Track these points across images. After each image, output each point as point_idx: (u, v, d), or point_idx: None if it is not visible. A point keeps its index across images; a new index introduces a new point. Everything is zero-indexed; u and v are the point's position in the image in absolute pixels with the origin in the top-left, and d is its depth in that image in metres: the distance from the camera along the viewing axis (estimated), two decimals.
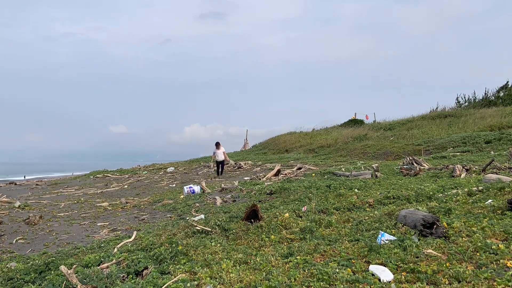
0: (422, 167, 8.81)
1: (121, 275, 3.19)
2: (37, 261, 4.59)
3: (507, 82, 25.88)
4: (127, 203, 10.17)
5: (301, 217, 4.90)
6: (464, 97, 26.78)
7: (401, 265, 2.95)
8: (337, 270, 2.90)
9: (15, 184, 18.38)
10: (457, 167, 7.43)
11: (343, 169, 11.40)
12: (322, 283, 2.73)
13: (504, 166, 7.19)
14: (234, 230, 4.40)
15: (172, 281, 2.92)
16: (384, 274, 2.83)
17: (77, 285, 2.99)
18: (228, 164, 17.36)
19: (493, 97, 25.36)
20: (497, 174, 6.29)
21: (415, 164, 9.17)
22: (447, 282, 2.63)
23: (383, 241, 3.47)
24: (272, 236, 4.09)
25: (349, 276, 2.80)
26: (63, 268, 3.21)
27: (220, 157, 15.50)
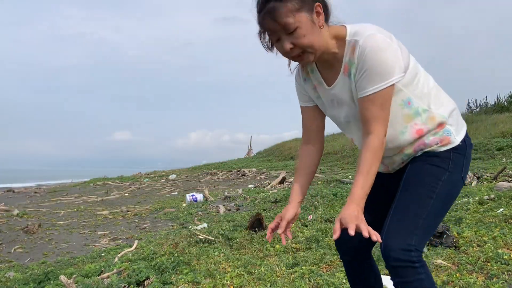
0: None
1: (122, 285, 3.12)
2: (36, 270, 4.51)
3: None
4: (128, 211, 10.09)
5: (306, 226, 4.83)
6: (476, 103, 26.36)
7: None
8: (344, 281, 2.84)
9: (13, 191, 18.28)
10: (468, 174, 7.35)
11: (350, 176, 11.32)
12: None
13: None
14: (238, 239, 4.32)
15: None
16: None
17: None
18: None
19: (505, 103, 24.91)
20: (509, 182, 6.21)
21: None
22: None
23: None
24: (277, 246, 4.01)
25: None
26: (62, 278, 3.14)
27: None
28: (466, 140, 1.57)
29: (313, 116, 1.70)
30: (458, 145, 1.54)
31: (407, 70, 1.45)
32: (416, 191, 1.49)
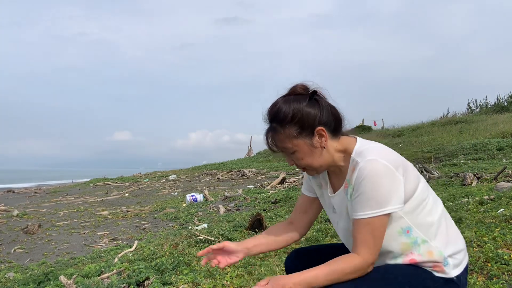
0: (432, 175, 8.71)
1: (122, 286, 3.11)
2: (36, 271, 4.51)
3: None
4: (127, 211, 10.09)
5: None
6: (476, 103, 26.33)
7: None
8: None
9: (13, 192, 18.30)
10: (468, 175, 7.33)
11: None
12: None
13: None
14: (238, 240, 4.32)
15: None
16: None
17: None
18: None
19: (505, 103, 24.89)
20: (509, 182, 6.20)
21: (424, 172, 9.05)
22: None
23: None
24: None
25: None
26: (62, 278, 3.13)
27: None
28: (462, 278, 1.45)
29: (309, 206, 1.69)
30: (452, 279, 1.42)
31: (411, 198, 1.39)
32: (381, 272, 1.40)
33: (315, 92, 1.44)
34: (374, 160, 1.34)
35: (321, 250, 1.73)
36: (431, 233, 1.42)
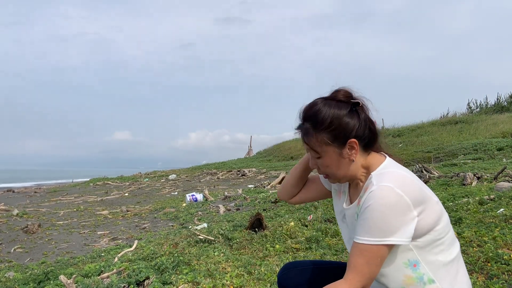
0: (432, 175, 8.71)
1: (122, 285, 3.11)
2: (35, 270, 4.52)
3: None
4: (127, 211, 10.09)
5: (306, 226, 4.82)
6: (476, 103, 26.34)
7: None
8: None
9: (13, 191, 18.30)
10: (468, 175, 7.33)
11: None
12: None
13: None
14: (237, 239, 4.32)
15: None
16: None
17: None
18: None
19: (505, 103, 24.88)
20: (509, 182, 6.20)
21: (424, 171, 9.04)
22: None
23: None
24: (277, 246, 4.01)
25: None
26: (62, 278, 3.13)
27: None
28: None
29: (314, 188, 1.69)
30: None
31: (426, 234, 1.32)
32: None
33: (357, 103, 1.39)
34: (388, 187, 1.26)
35: (310, 269, 1.69)
36: (440, 274, 1.35)
